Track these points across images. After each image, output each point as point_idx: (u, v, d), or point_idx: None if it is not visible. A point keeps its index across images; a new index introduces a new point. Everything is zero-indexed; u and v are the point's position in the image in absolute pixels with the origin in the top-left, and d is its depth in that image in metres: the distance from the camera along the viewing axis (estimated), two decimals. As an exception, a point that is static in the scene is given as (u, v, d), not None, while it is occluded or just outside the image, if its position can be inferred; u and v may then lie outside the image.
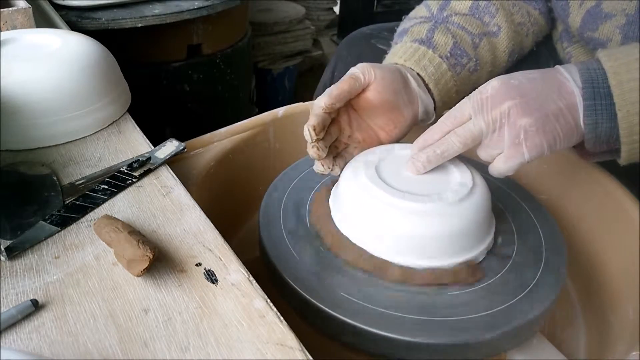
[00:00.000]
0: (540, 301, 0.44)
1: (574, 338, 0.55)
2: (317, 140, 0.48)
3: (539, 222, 0.52)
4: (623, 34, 0.56)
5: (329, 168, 0.50)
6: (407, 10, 0.68)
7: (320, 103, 0.48)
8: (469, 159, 0.51)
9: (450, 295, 0.43)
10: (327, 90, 0.49)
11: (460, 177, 0.47)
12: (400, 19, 0.67)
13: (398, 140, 0.55)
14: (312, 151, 0.48)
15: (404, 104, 0.54)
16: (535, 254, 0.48)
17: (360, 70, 0.51)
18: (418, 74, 0.57)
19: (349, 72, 0.52)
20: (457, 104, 0.47)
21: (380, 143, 0.54)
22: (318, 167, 0.50)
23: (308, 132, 0.47)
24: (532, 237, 0.50)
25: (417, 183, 0.47)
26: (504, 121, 0.44)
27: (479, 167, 0.50)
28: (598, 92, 0.43)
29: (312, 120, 0.47)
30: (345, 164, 0.51)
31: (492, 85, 0.45)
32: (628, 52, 0.44)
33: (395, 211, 0.44)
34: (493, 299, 0.43)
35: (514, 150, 0.44)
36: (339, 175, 0.51)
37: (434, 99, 0.57)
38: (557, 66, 0.47)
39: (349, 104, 0.53)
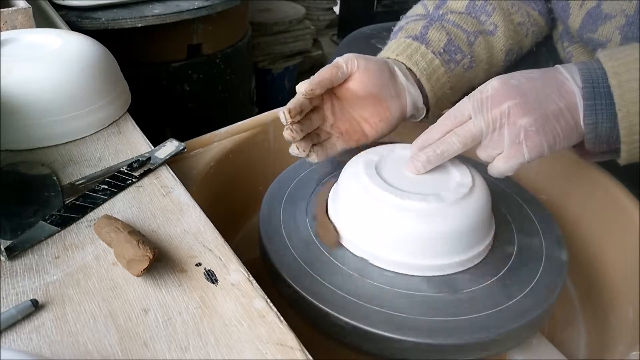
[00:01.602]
0: (540, 301, 0.44)
1: (574, 338, 0.55)
2: (292, 122, 0.48)
3: (539, 222, 0.52)
4: (622, 34, 0.56)
5: (304, 151, 0.50)
6: (407, 10, 0.68)
7: (300, 88, 0.49)
8: (468, 158, 0.51)
9: (451, 295, 0.43)
10: (310, 77, 0.49)
11: (460, 177, 0.47)
12: (399, 19, 0.67)
13: (384, 134, 0.55)
14: (286, 133, 0.49)
15: (390, 97, 0.54)
16: (535, 254, 0.48)
17: (343, 60, 0.52)
18: (410, 69, 0.57)
19: (333, 61, 0.52)
20: (457, 104, 0.47)
21: (365, 136, 0.54)
22: (293, 149, 0.51)
23: (283, 115, 0.48)
24: (532, 237, 0.50)
25: (417, 183, 0.47)
26: (504, 121, 0.44)
27: (479, 167, 0.50)
28: (598, 92, 0.43)
29: (289, 104, 0.48)
30: (326, 154, 0.52)
31: (492, 85, 0.45)
32: (628, 52, 0.44)
33: (396, 211, 0.44)
34: (493, 299, 0.43)
35: (514, 150, 0.44)
36: (316, 162, 0.52)
37: (426, 95, 0.57)
38: (557, 66, 0.47)
39: (333, 94, 0.53)
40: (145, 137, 0.58)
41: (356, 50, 0.79)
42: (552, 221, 0.53)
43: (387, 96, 0.54)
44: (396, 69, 0.55)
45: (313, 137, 0.52)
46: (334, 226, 0.49)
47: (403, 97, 0.55)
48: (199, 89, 1.20)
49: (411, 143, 0.50)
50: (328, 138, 0.54)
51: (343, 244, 0.48)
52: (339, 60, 0.52)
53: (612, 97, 0.43)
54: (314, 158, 0.51)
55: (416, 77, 0.57)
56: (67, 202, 0.47)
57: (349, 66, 0.51)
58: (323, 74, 0.50)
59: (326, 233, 0.48)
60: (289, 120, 0.48)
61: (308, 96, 0.49)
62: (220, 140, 0.63)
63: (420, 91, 0.56)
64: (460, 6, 0.63)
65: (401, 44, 0.59)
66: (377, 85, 0.53)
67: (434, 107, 0.58)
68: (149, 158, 0.53)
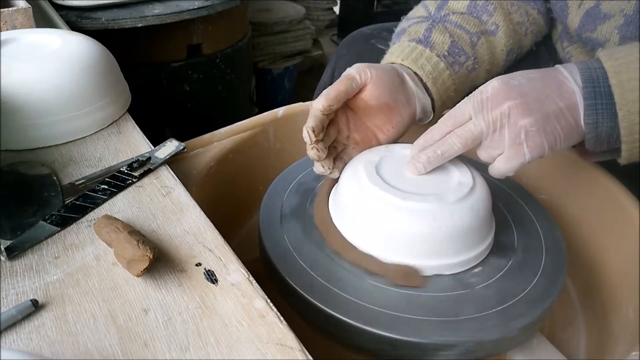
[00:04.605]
0: (540, 301, 0.44)
1: (574, 338, 0.55)
2: (317, 141, 0.48)
3: (539, 222, 0.52)
4: (621, 34, 0.56)
5: (329, 169, 0.50)
6: (407, 11, 0.68)
7: (318, 105, 0.48)
8: (469, 159, 0.51)
9: (450, 295, 0.43)
10: (324, 92, 0.49)
11: (461, 177, 0.47)
12: (399, 19, 0.67)
13: (396, 139, 0.55)
14: (312, 152, 0.48)
15: (401, 103, 0.54)
16: (535, 254, 0.48)
17: (356, 71, 0.51)
18: (415, 73, 0.57)
19: (344, 72, 0.52)
20: (458, 105, 0.47)
21: (379, 143, 0.54)
22: (318, 168, 0.50)
23: (307, 134, 0.47)
24: (532, 237, 0.50)
25: (418, 183, 0.47)
26: (505, 121, 0.44)
27: (479, 166, 0.50)
28: (599, 91, 0.43)
29: (311, 122, 0.48)
30: (345, 166, 0.51)
31: (492, 86, 0.45)
32: (628, 51, 0.44)
33: (396, 211, 0.44)
34: (493, 299, 0.43)
35: (514, 150, 0.44)
36: (338, 176, 0.51)
37: (432, 98, 0.57)
38: (557, 66, 0.47)
39: (346, 105, 0.53)
40: (145, 137, 0.58)
41: (356, 50, 0.80)
42: (552, 221, 0.53)
43: (398, 103, 0.54)
44: (405, 75, 0.55)
45: (332, 152, 0.52)
46: (334, 225, 0.49)
47: (413, 103, 0.55)
48: (199, 89, 1.20)
49: (411, 143, 0.50)
50: (344, 149, 0.53)
51: (343, 243, 0.47)
52: (351, 71, 0.51)
53: (613, 97, 0.43)
54: (336, 174, 0.51)
55: (422, 81, 0.57)
56: (67, 202, 0.47)
57: (362, 77, 0.51)
58: (338, 88, 0.50)
59: (326, 233, 0.48)
60: (314, 139, 0.47)
61: (326, 112, 0.49)
62: (220, 140, 0.63)
63: (427, 95, 0.56)
64: (461, 6, 0.63)
65: (405, 48, 0.58)
66: (388, 94, 0.53)
67: (439, 109, 0.58)
68: (149, 158, 0.53)
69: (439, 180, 0.47)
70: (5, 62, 0.55)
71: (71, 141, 0.57)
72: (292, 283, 0.44)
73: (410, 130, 0.57)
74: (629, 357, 0.43)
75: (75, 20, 0.96)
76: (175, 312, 0.37)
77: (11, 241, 0.42)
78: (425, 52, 0.58)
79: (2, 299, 0.37)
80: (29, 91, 0.54)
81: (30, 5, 0.71)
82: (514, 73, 0.47)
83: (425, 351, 0.40)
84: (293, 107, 0.69)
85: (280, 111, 0.68)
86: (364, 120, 0.54)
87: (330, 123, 0.51)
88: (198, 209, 0.47)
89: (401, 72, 0.55)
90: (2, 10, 0.69)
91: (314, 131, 0.47)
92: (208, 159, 0.60)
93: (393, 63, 0.58)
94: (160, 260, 0.41)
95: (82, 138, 0.58)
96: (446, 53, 0.59)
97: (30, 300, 0.37)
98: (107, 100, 0.60)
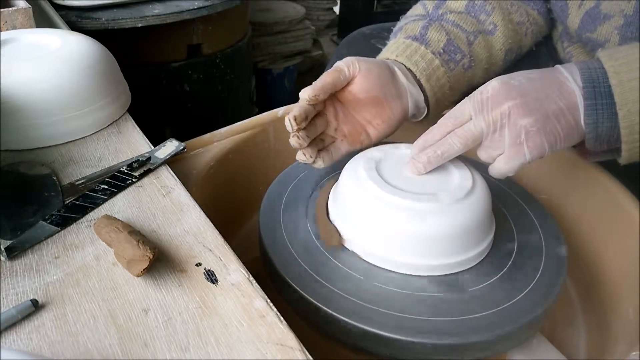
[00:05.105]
0: (541, 301, 0.44)
1: (574, 338, 0.55)
2: (298, 129, 0.48)
3: (539, 222, 0.52)
4: (621, 34, 0.56)
5: (311, 157, 0.50)
6: (407, 10, 0.68)
7: (304, 95, 0.49)
8: (469, 158, 0.51)
9: (450, 295, 0.43)
10: (313, 83, 0.49)
11: (461, 177, 0.47)
12: (399, 19, 0.67)
13: (387, 135, 0.55)
14: (292, 140, 0.49)
15: (392, 98, 0.54)
16: (535, 253, 0.48)
17: (344, 63, 0.52)
18: (410, 69, 0.57)
19: (334, 65, 0.52)
20: (458, 105, 0.47)
21: (369, 137, 0.54)
22: (300, 156, 0.51)
23: (289, 122, 0.48)
24: (532, 237, 0.50)
25: (418, 183, 0.47)
26: (505, 121, 0.44)
27: (479, 166, 0.50)
28: (599, 91, 0.43)
29: (294, 111, 0.48)
30: (332, 158, 0.52)
31: (492, 86, 0.45)
32: (628, 51, 0.44)
33: (396, 211, 0.44)
34: (493, 299, 0.43)
35: (515, 150, 0.44)
36: (322, 167, 0.51)
37: (426, 95, 0.57)
38: (557, 66, 0.47)
39: (335, 98, 0.53)
40: (145, 137, 0.58)
41: (356, 50, 0.79)
42: (552, 221, 0.53)
43: (389, 97, 0.54)
44: (396, 69, 0.55)
45: (318, 143, 0.52)
46: (334, 225, 0.49)
47: (405, 98, 0.55)
48: (199, 89, 1.20)
49: (411, 143, 0.50)
50: (332, 142, 0.53)
51: (344, 244, 0.48)
52: (340, 64, 0.52)
53: (613, 97, 0.43)
54: (320, 164, 0.51)
55: (416, 77, 0.57)
56: (67, 202, 0.47)
57: (350, 69, 0.51)
58: (325, 79, 0.50)
59: (326, 233, 0.48)
60: (295, 127, 0.48)
61: (312, 102, 0.49)
62: (220, 140, 0.63)
63: (421, 91, 0.56)
64: (459, 6, 0.63)
65: (400, 45, 0.59)
66: (378, 87, 0.53)
67: (434, 106, 0.58)
68: (149, 158, 0.53)
69: (439, 180, 0.47)
70: (5, 62, 0.55)
71: (71, 141, 0.57)
72: (292, 283, 0.44)
73: (410, 130, 0.57)
74: (629, 357, 0.43)
75: (75, 20, 0.96)
76: (175, 312, 0.37)
77: (11, 241, 0.42)
78: (420, 49, 0.58)
79: (2, 299, 0.37)
80: (29, 91, 0.54)
81: (30, 5, 0.71)
82: (514, 73, 0.47)
83: (425, 351, 0.40)
84: (293, 107, 0.69)
85: (280, 111, 0.68)
86: (353, 113, 0.54)
87: (318, 115, 0.52)
88: (198, 209, 0.47)
89: (392, 66, 0.55)
90: (2, 10, 0.69)
91: (295, 119, 0.47)
92: (208, 159, 0.60)
93: (387, 59, 0.58)
94: (160, 260, 0.41)
95: (82, 138, 0.58)
96: (441, 50, 0.59)
97: (30, 300, 0.37)
98: (107, 100, 0.60)
